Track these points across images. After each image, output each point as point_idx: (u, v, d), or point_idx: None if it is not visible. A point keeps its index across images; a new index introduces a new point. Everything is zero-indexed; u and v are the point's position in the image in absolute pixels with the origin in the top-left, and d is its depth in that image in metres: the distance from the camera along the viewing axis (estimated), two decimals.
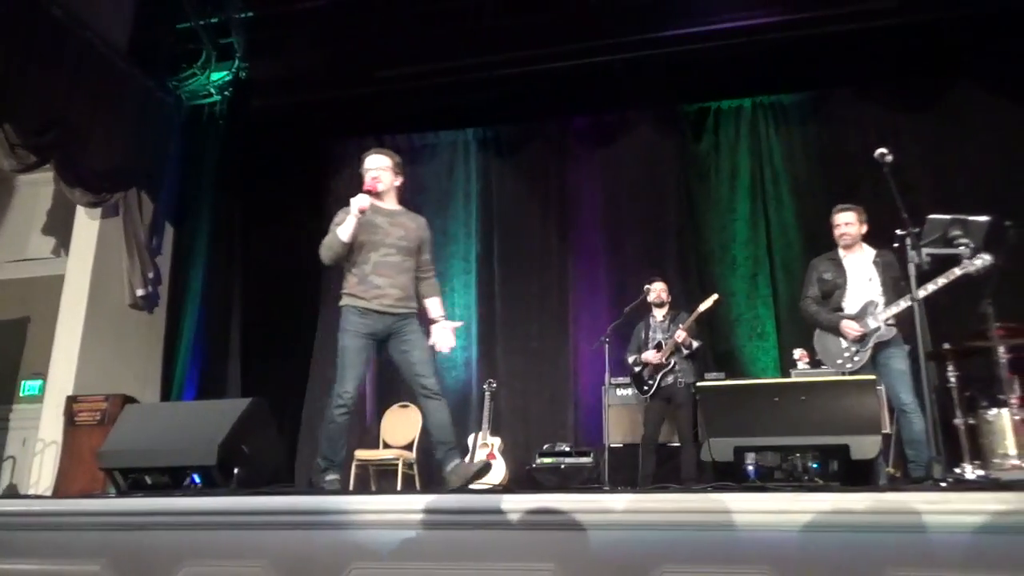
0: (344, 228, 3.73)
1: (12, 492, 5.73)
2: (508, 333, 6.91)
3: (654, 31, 6.31)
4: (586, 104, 7.09)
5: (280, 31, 6.89)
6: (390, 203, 3.96)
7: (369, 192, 3.79)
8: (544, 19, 6.37)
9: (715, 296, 5.60)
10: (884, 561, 2.09)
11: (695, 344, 5.51)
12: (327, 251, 3.83)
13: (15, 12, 5.38)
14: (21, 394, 6.72)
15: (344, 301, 3.82)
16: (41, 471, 5.78)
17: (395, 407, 6.51)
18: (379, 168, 3.92)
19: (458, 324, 3.94)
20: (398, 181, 3.99)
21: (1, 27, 5.25)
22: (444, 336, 3.84)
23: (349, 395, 3.67)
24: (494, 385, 6.32)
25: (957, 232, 3.88)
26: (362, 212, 3.70)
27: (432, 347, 3.82)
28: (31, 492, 5.57)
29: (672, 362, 5.45)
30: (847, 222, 4.48)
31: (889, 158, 3.54)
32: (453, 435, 3.74)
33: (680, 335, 5.41)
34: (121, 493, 3.50)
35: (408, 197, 7.27)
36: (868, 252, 4.49)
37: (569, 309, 6.85)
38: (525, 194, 7.21)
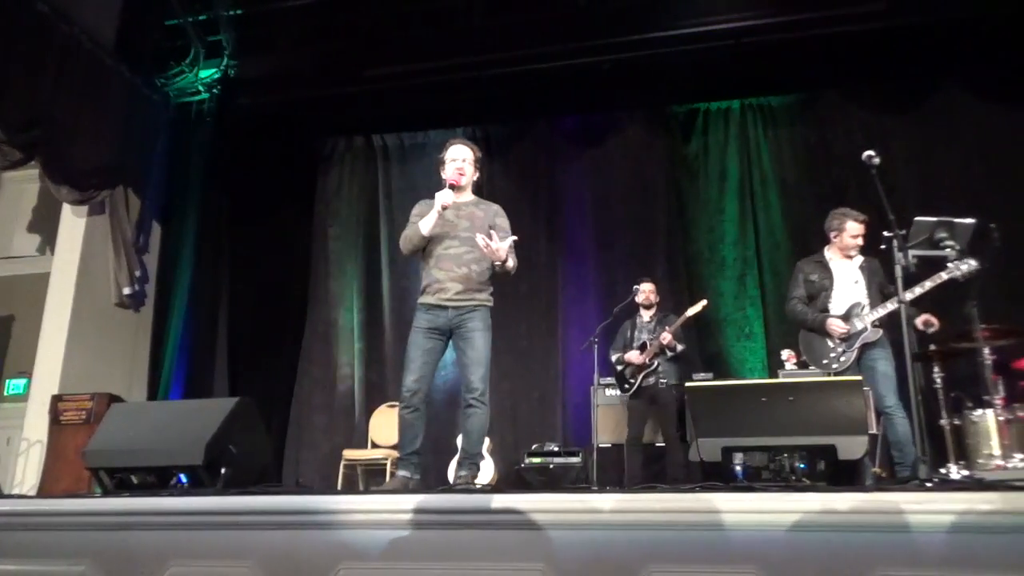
0: (426, 222, 3.71)
1: None
2: (497, 332, 6.85)
3: (643, 32, 6.33)
4: (575, 104, 7.11)
5: (269, 29, 6.86)
6: (464, 196, 3.89)
7: (453, 186, 3.74)
8: (533, 19, 6.38)
9: (703, 302, 5.62)
10: (870, 561, 2.11)
11: (679, 347, 5.55)
12: (406, 243, 3.80)
13: None
14: (5, 393, 6.64)
15: (418, 299, 3.82)
16: (26, 471, 5.73)
17: (383, 407, 6.50)
18: (463, 160, 3.86)
19: (514, 238, 3.69)
20: (476, 176, 3.95)
21: None
22: (494, 242, 3.57)
23: (409, 390, 3.62)
24: None
25: (943, 234, 3.91)
26: (445, 208, 3.67)
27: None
28: (15, 492, 5.52)
29: (655, 363, 5.48)
30: (865, 234, 4.45)
31: (876, 160, 3.56)
32: (480, 447, 3.68)
33: (666, 337, 5.43)
34: (107, 493, 3.47)
35: (398, 195, 7.36)
36: (856, 257, 4.52)
37: (558, 309, 6.86)
38: (514, 193, 7.20)
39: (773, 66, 6.45)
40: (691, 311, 5.56)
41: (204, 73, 6.98)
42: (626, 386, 5.56)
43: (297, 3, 6.61)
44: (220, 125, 7.10)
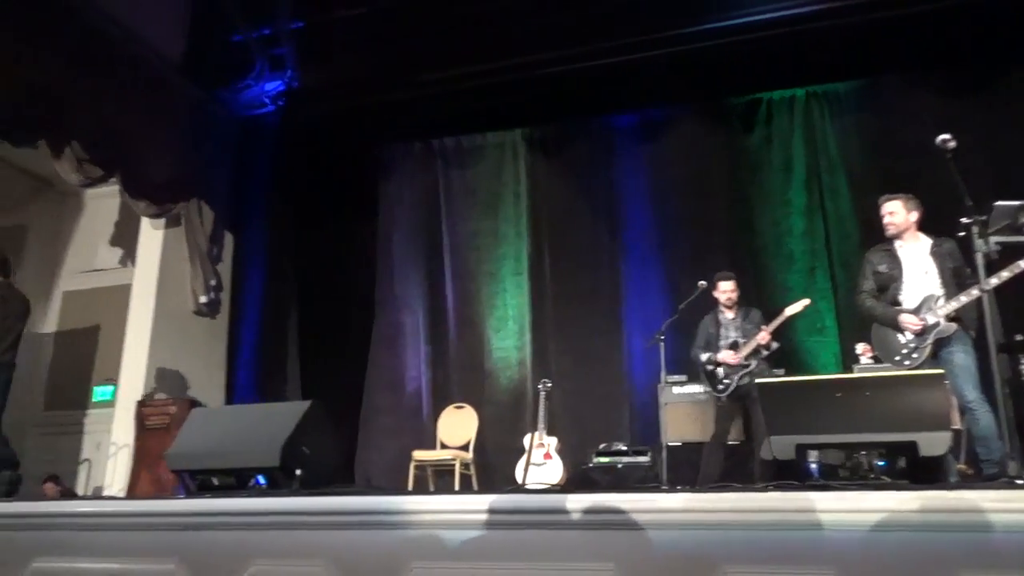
0: None
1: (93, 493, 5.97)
2: (560, 332, 6.90)
3: (697, 24, 6.21)
4: (631, 100, 7.02)
5: (327, 39, 7.01)
6: None
7: None
8: (585, 15, 6.33)
9: (806, 301, 5.44)
10: (954, 562, 2.03)
11: (775, 345, 5.39)
12: None
13: (72, 32, 5.60)
14: (94, 399, 7.00)
15: None
16: (115, 473, 6.00)
17: (451, 408, 6.57)
18: None
19: None
20: None
21: (60, 47, 5.49)
22: None
23: None
24: (549, 384, 6.28)
25: None
26: None
27: None
28: (106, 493, 5.80)
29: (752, 363, 5.34)
30: (891, 211, 4.34)
31: (952, 144, 3.42)
32: None
33: (764, 337, 5.28)
34: (190, 494, 3.61)
35: (458, 198, 7.44)
36: (924, 242, 4.34)
37: (621, 307, 6.80)
38: (574, 193, 7.19)
39: (836, 52, 6.25)
40: (790, 310, 5.38)
41: (269, 86, 7.18)
42: (720, 386, 5.39)
43: (353, 12, 6.74)
44: (285, 136, 7.31)
